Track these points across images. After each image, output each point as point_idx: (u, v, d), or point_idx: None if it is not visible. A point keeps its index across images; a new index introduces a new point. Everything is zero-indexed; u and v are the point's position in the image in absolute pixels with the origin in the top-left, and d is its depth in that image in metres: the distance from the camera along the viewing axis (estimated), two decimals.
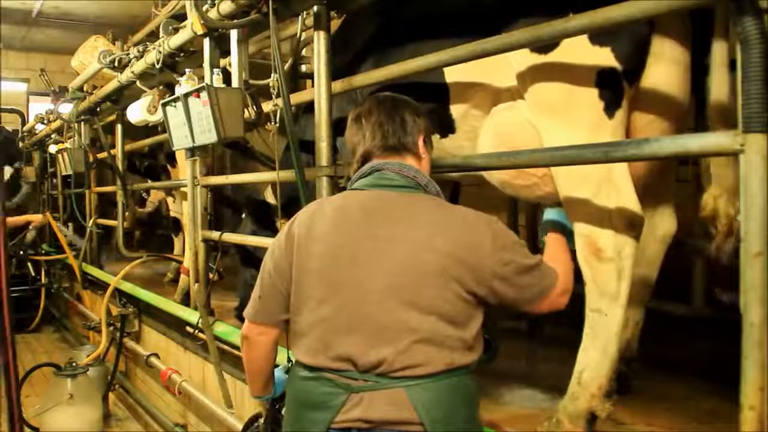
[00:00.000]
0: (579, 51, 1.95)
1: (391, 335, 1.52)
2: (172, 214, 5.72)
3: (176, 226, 5.65)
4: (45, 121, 7.36)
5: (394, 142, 1.72)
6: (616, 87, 1.95)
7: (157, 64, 3.42)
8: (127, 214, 5.42)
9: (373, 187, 1.68)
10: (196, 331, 3.59)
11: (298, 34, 2.78)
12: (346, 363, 1.56)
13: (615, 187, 1.94)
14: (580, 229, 1.98)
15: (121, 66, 4.15)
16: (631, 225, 1.95)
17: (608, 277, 1.94)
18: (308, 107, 2.88)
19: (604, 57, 1.95)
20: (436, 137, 2.35)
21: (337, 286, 1.59)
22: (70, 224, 7.41)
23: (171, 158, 5.42)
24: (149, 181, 5.80)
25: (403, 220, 1.60)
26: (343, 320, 1.57)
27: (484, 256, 1.56)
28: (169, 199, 5.69)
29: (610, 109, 1.95)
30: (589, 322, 1.99)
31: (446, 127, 2.41)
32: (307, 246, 1.65)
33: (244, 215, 3.86)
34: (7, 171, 8.18)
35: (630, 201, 1.94)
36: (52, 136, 7.19)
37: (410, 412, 1.50)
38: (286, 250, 1.69)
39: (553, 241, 1.90)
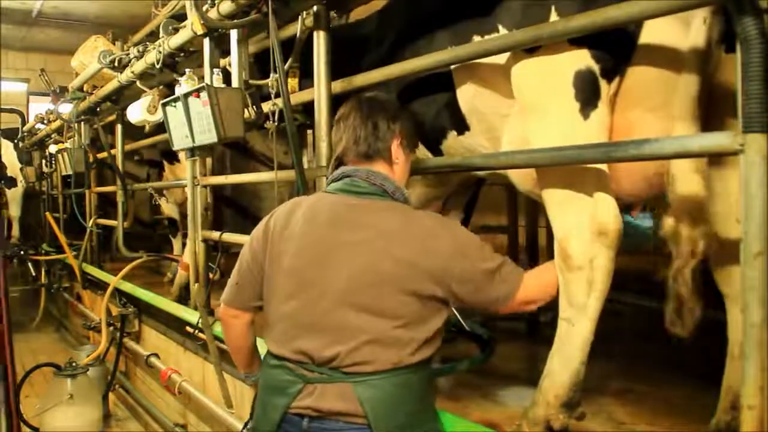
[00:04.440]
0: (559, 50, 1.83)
1: (344, 336, 1.64)
2: (166, 214, 5.70)
3: (173, 226, 5.65)
4: (45, 121, 7.37)
5: (365, 149, 1.80)
6: (593, 86, 1.81)
7: (157, 64, 3.42)
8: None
9: (342, 192, 1.77)
10: (196, 331, 3.59)
11: (298, 34, 2.78)
12: (304, 356, 1.69)
13: (589, 191, 1.81)
14: (556, 233, 1.89)
15: (121, 66, 4.14)
16: (602, 233, 1.80)
17: (577, 287, 1.82)
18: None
19: (582, 57, 1.81)
20: None
21: (303, 285, 1.70)
22: None
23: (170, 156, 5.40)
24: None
25: (366, 227, 1.69)
26: (305, 318, 1.69)
27: (442, 261, 1.65)
28: (162, 201, 5.68)
29: (586, 110, 1.81)
30: (559, 329, 1.91)
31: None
32: (281, 242, 1.77)
33: None
34: None
35: (604, 207, 1.80)
36: (52, 136, 7.19)
37: (355, 405, 1.62)
38: (263, 243, 1.81)
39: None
